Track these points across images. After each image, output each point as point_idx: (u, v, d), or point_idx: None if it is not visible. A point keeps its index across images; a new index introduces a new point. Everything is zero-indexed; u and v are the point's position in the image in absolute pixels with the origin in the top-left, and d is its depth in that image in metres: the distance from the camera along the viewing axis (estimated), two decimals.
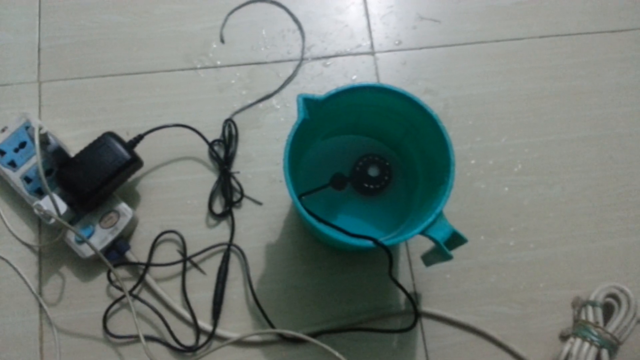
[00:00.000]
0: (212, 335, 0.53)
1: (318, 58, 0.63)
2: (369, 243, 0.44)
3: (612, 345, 0.51)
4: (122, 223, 0.53)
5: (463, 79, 0.63)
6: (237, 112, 0.60)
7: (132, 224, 0.55)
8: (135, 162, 0.54)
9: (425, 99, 0.55)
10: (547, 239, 0.58)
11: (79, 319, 0.53)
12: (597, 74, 0.64)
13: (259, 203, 0.58)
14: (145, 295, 0.54)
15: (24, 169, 0.54)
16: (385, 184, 0.55)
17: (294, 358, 0.53)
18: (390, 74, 0.63)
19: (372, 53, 0.64)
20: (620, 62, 0.65)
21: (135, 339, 0.53)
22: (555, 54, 0.65)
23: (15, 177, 0.54)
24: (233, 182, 0.58)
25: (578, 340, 0.51)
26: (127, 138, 0.55)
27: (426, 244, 0.50)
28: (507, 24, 0.66)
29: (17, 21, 0.63)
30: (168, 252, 0.56)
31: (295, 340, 0.53)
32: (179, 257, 0.55)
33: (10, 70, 0.61)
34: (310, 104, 0.47)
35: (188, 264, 0.55)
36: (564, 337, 0.54)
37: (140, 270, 0.54)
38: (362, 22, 0.65)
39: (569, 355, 0.51)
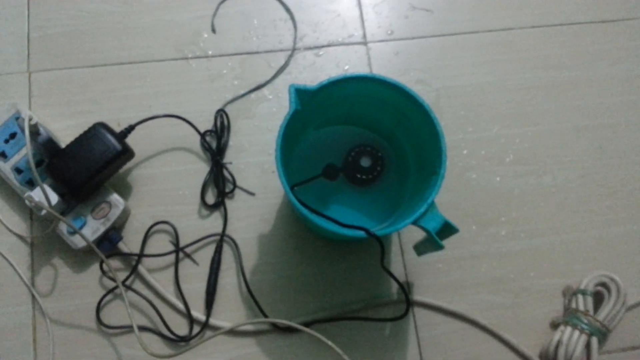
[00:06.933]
0: (205, 325, 0.53)
1: (310, 48, 0.63)
2: (361, 233, 0.45)
3: (602, 333, 0.51)
4: (114, 214, 0.53)
5: (455, 69, 0.63)
6: (229, 103, 0.60)
7: (124, 215, 0.55)
8: (126, 153, 0.53)
9: (417, 89, 0.55)
10: (538, 229, 0.58)
11: (72, 309, 0.53)
12: (588, 64, 0.64)
13: (252, 193, 0.58)
14: (138, 286, 0.54)
15: (14, 159, 0.54)
16: (378, 174, 0.55)
17: (287, 347, 0.53)
18: (383, 64, 0.63)
19: (365, 43, 0.64)
20: (611, 52, 0.65)
21: (128, 329, 0.53)
22: (546, 44, 0.65)
23: (5, 168, 0.54)
24: (225, 173, 0.58)
25: (568, 329, 0.52)
26: (118, 129, 0.55)
27: (418, 234, 0.50)
28: (499, 14, 0.66)
29: (6, 10, 0.62)
30: (160, 243, 0.56)
31: (289, 330, 0.53)
32: (171, 247, 0.55)
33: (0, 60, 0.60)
34: (302, 95, 0.47)
35: (181, 255, 0.55)
36: (554, 325, 0.55)
37: (132, 261, 0.54)
38: (355, 11, 0.65)
39: (559, 343, 0.51)
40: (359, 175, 0.55)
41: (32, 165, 0.49)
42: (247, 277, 0.55)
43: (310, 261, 0.56)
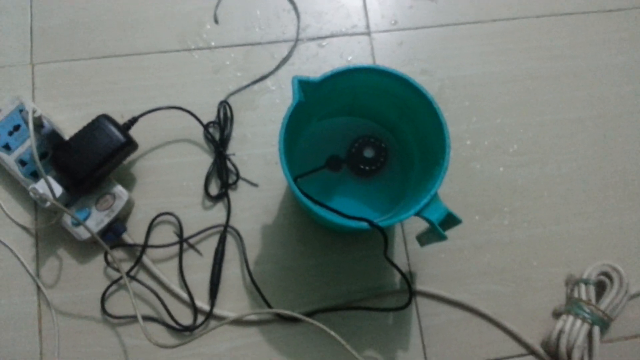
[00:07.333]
0: (209, 315, 0.53)
1: (313, 38, 0.63)
2: (364, 224, 0.45)
3: (604, 322, 0.51)
4: (118, 205, 0.53)
5: (459, 60, 0.63)
6: (232, 94, 0.60)
7: (128, 206, 0.55)
8: (130, 145, 0.54)
9: (421, 80, 0.55)
10: (541, 218, 0.58)
11: (77, 300, 0.54)
12: (593, 53, 0.64)
13: (255, 185, 0.58)
14: (142, 276, 0.55)
15: (18, 152, 0.54)
16: (381, 165, 0.55)
17: (291, 336, 0.53)
18: (386, 54, 0.63)
19: (368, 33, 0.63)
20: (616, 42, 0.65)
21: (133, 319, 0.53)
22: (551, 33, 0.64)
23: (10, 160, 0.54)
24: (229, 164, 0.58)
25: (570, 317, 0.52)
26: (121, 120, 0.55)
27: (421, 224, 0.50)
28: (503, 4, 0.65)
29: (9, 2, 0.62)
30: (164, 234, 0.56)
31: (292, 319, 0.53)
32: (175, 238, 0.55)
33: (3, 52, 0.60)
34: (305, 86, 0.47)
35: (185, 246, 0.55)
36: (556, 315, 0.55)
37: (137, 252, 0.55)
38: (358, 1, 0.64)
39: (561, 332, 0.52)
40: (362, 167, 0.55)
41: (36, 157, 0.49)
42: (251, 268, 0.55)
43: (313, 252, 0.56)
